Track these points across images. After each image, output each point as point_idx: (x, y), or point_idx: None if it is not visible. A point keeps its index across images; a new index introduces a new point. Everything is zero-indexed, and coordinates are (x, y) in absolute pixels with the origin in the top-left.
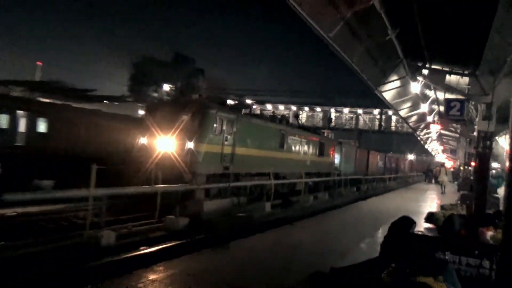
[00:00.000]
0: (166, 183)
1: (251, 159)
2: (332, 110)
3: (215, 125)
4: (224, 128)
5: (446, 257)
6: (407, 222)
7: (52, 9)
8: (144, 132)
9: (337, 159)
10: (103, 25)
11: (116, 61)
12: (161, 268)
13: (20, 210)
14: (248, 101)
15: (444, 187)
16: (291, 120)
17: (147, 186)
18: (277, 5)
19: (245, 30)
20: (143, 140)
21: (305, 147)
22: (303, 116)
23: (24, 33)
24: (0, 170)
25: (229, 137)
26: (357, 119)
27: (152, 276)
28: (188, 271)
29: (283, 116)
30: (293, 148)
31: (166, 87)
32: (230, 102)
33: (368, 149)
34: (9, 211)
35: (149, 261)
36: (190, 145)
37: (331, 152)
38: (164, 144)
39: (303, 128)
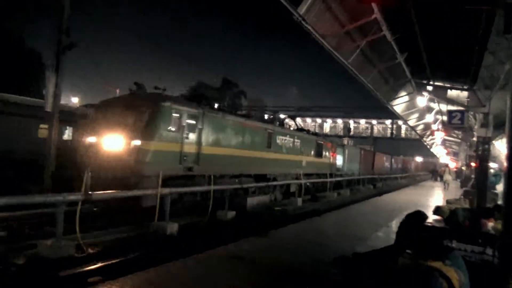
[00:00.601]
0: (108, 186)
1: (226, 159)
2: (351, 121)
3: (170, 120)
4: (184, 124)
5: (453, 245)
6: (421, 216)
7: (125, 47)
8: (92, 130)
9: (339, 160)
10: (167, 57)
11: (177, 85)
12: (213, 253)
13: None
14: (282, 116)
15: (448, 185)
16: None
17: (201, 187)
18: (307, 38)
19: (279, 57)
20: (91, 139)
21: (300, 148)
22: (327, 127)
23: (106, 67)
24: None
25: (192, 134)
26: (372, 128)
27: (204, 259)
28: (234, 255)
29: (274, 116)
30: (283, 148)
31: (215, 106)
32: (266, 116)
33: (373, 151)
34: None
35: (203, 247)
36: (137, 142)
37: (331, 154)
38: (111, 142)
39: (301, 130)
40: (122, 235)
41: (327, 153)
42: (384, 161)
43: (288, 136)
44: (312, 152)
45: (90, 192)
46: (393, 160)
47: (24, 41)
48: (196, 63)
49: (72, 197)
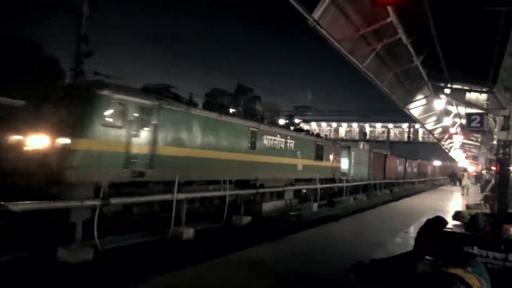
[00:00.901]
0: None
1: (193, 162)
2: (367, 125)
3: (110, 112)
4: (131, 118)
5: (474, 251)
6: (440, 221)
7: (137, 51)
8: (19, 128)
9: (344, 163)
10: (181, 62)
11: (192, 91)
12: (229, 258)
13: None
14: (297, 120)
15: (467, 190)
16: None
17: (218, 192)
18: (323, 42)
19: (293, 61)
20: (15, 138)
21: (294, 150)
22: (342, 131)
23: (123, 72)
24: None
25: (144, 131)
26: (388, 132)
27: (220, 264)
28: (250, 260)
29: (262, 115)
30: (272, 150)
31: (230, 111)
32: (281, 121)
33: (384, 154)
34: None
35: (219, 252)
36: (64, 141)
37: (334, 156)
38: (35, 141)
39: (298, 130)
40: (139, 240)
41: (329, 156)
42: (397, 165)
43: (278, 136)
44: (310, 155)
45: (108, 198)
46: (407, 164)
47: (41, 48)
48: (211, 68)
49: (90, 202)
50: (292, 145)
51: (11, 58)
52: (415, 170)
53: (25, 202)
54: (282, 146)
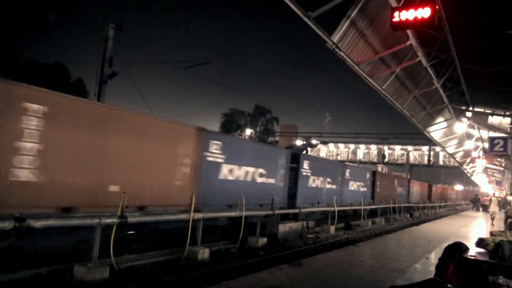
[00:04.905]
0: None
1: None
2: (385, 147)
3: None
4: None
5: (500, 281)
6: (460, 247)
7: (161, 75)
8: None
9: None
10: (200, 87)
11: (211, 112)
12: (245, 281)
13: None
14: (314, 142)
15: (494, 218)
16: None
17: (233, 212)
18: (340, 64)
19: (312, 84)
20: None
21: None
22: (360, 153)
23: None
24: None
25: None
26: (407, 155)
27: (237, 287)
28: (267, 283)
29: None
30: None
31: (248, 131)
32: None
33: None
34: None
35: (235, 274)
36: None
37: None
38: None
39: None
40: (155, 259)
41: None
42: (351, 181)
43: None
44: None
45: (126, 215)
46: (377, 180)
47: (67, 69)
48: (230, 89)
49: (108, 220)
50: None
51: (38, 80)
52: (402, 191)
53: (43, 218)
54: None
